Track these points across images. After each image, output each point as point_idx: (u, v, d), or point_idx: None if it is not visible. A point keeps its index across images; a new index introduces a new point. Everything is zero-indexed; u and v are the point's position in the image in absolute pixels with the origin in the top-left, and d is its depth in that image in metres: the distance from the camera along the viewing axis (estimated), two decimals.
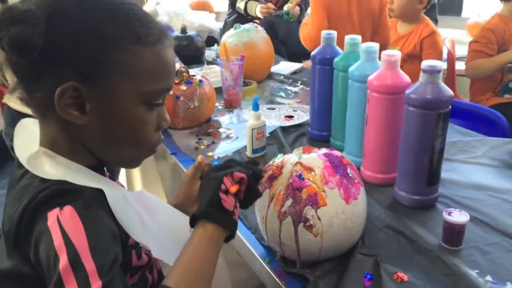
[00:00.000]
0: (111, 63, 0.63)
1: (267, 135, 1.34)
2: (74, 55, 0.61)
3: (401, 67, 2.17)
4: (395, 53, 1.02)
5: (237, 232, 0.93)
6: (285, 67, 2.09)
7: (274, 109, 1.57)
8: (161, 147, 1.40)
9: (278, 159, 0.85)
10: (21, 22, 0.58)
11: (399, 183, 1.03)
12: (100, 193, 0.64)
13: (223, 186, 0.71)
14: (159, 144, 0.75)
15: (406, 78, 1.03)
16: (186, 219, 0.86)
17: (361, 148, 1.13)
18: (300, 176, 0.79)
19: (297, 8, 2.85)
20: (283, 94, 1.76)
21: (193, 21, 3.35)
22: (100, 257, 0.56)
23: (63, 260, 0.55)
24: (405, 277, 0.79)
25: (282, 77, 1.96)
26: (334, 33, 1.28)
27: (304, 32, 2.18)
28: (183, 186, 1.00)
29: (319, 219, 0.78)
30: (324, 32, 1.27)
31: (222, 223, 0.69)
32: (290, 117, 1.49)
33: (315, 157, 0.82)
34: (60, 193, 0.61)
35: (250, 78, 1.82)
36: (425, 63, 0.93)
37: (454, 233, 0.87)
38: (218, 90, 1.66)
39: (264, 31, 1.90)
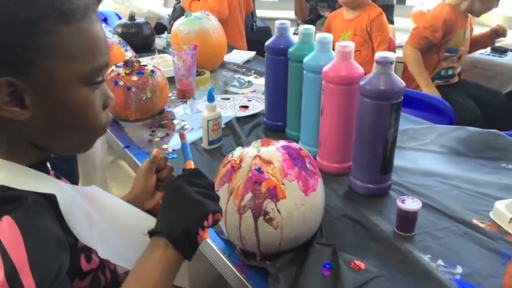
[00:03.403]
0: (40, 49, 0.57)
1: (222, 126, 1.33)
2: (1, 48, 0.56)
3: (358, 51, 2.23)
4: (348, 44, 1.04)
5: None
6: (238, 55, 2.07)
7: (228, 99, 1.56)
8: (113, 141, 1.36)
9: (237, 152, 0.84)
10: None
11: (354, 172, 1.05)
12: (43, 197, 0.60)
13: (205, 223, 0.67)
14: (108, 123, 0.70)
15: (360, 69, 1.05)
16: (138, 212, 0.83)
17: (317, 138, 1.14)
18: (259, 170, 0.79)
19: None
20: (237, 84, 1.75)
21: (140, 7, 3.24)
22: (40, 272, 0.52)
23: (0, 276, 0.51)
24: (362, 265, 0.81)
25: (235, 66, 1.94)
26: (288, 23, 1.27)
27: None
28: (139, 180, 0.97)
29: (279, 212, 0.78)
30: (277, 22, 1.27)
31: (188, 256, 0.66)
32: (245, 107, 1.49)
33: (274, 150, 0.82)
34: None
35: (202, 67, 1.79)
36: (378, 55, 0.95)
37: (407, 220, 0.90)
38: (171, 80, 1.62)
39: (216, 19, 1.87)
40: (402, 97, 0.97)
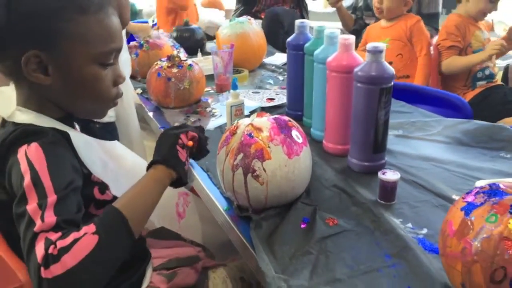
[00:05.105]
0: (60, 32, 0.77)
1: (247, 113, 1.49)
2: (31, 29, 0.76)
3: (400, 55, 2.33)
4: (349, 37, 1.16)
5: (204, 187, 1.11)
6: (279, 58, 2.24)
7: (258, 92, 1.73)
8: (153, 124, 1.57)
9: (236, 122, 1.00)
10: None
11: (351, 152, 1.17)
12: (63, 136, 0.80)
13: (180, 141, 0.88)
14: (120, 97, 0.90)
15: (359, 59, 1.17)
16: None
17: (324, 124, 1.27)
18: (250, 135, 0.95)
19: None
20: (271, 82, 1.91)
21: (202, 17, 3.52)
22: (56, 178, 0.71)
23: (27, 179, 0.70)
24: (336, 221, 0.93)
25: (273, 66, 2.11)
26: (307, 21, 1.42)
27: None
28: None
29: (264, 170, 0.93)
30: (297, 21, 1.42)
31: (174, 168, 0.85)
32: (272, 99, 1.64)
33: (265, 120, 0.97)
34: (28, 133, 0.77)
35: (242, 66, 1.97)
36: (370, 45, 1.07)
37: (387, 190, 1.00)
38: (212, 77, 1.82)
39: (257, 23, 2.05)
40: (392, 82, 1.08)
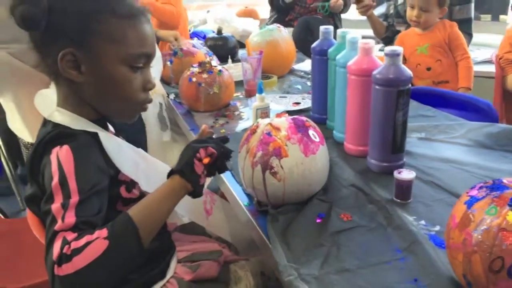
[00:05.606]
0: (94, 32, 0.84)
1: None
2: (69, 28, 0.83)
3: (439, 60, 2.32)
4: (369, 41, 1.20)
5: (227, 184, 1.17)
6: (308, 65, 2.28)
7: (285, 97, 1.78)
8: (183, 126, 1.65)
9: (257, 122, 1.06)
10: (27, 2, 0.79)
11: (370, 153, 1.20)
12: (95, 139, 0.87)
13: (198, 155, 0.91)
14: (149, 103, 0.95)
15: (379, 63, 1.21)
16: None
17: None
18: (269, 133, 1.00)
19: (340, 2, 3.03)
20: (299, 87, 1.96)
21: (237, 26, 3.62)
22: (81, 180, 0.78)
23: (55, 180, 0.77)
24: (350, 217, 0.97)
25: (302, 73, 2.16)
26: (331, 28, 1.47)
27: None
28: None
29: (281, 167, 0.98)
30: (321, 27, 1.47)
31: (189, 180, 0.88)
32: (298, 103, 1.69)
33: (283, 120, 1.03)
34: (62, 135, 0.84)
35: (271, 72, 2.03)
36: (387, 49, 1.11)
37: (402, 189, 1.03)
38: (242, 83, 1.89)
39: (286, 31, 2.11)
40: (410, 85, 1.11)
